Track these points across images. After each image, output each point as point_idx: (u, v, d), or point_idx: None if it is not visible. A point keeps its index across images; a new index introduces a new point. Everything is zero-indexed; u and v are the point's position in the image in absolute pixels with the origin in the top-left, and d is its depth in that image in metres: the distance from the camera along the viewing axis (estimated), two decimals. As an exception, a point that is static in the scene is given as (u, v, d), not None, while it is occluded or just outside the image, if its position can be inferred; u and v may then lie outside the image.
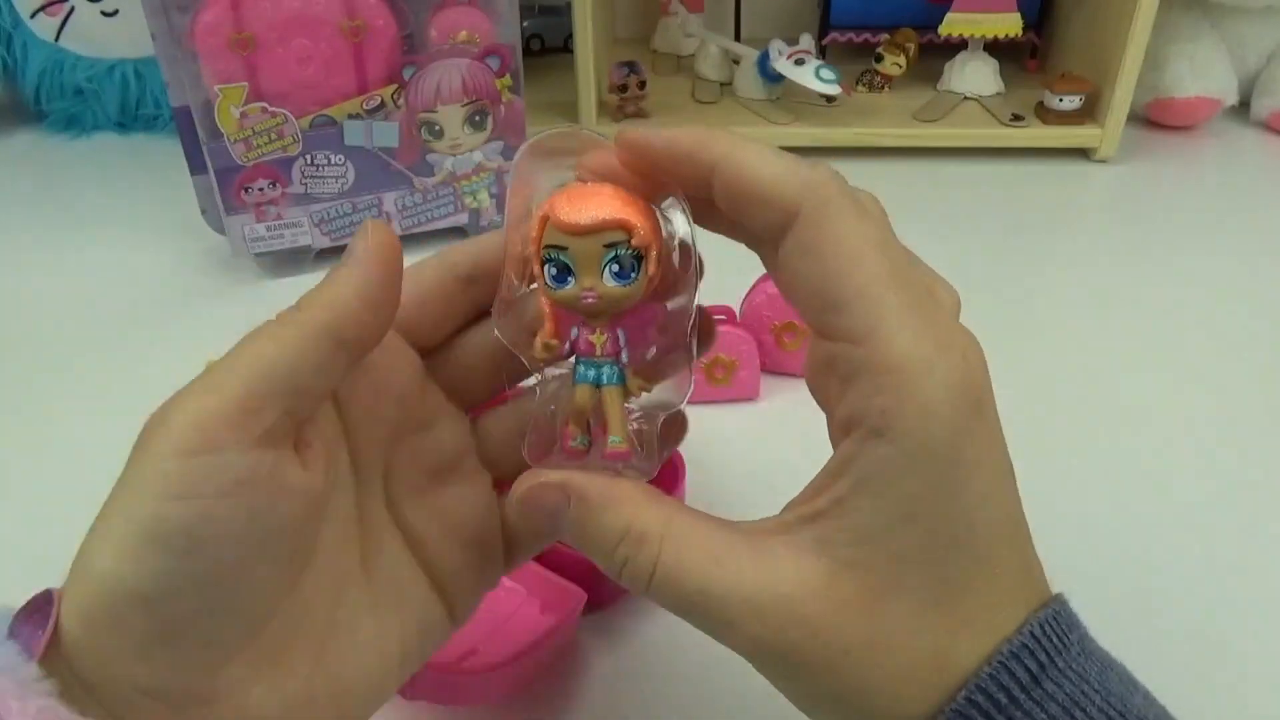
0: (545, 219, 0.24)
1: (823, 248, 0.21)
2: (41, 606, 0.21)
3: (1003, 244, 0.75)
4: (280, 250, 0.69)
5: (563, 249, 0.24)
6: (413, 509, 0.27)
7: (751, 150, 0.22)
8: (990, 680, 0.21)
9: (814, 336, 0.23)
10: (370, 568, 0.26)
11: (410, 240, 0.73)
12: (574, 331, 0.25)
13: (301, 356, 0.22)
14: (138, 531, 0.21)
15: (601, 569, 0.24)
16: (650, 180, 0.24)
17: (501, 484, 0.29)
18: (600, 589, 0.41)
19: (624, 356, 0.25)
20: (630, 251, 0.24)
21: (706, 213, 0.25)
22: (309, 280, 0.71)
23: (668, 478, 0.46)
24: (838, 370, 0.22)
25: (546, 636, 0.37)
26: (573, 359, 0.26)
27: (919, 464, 0.21)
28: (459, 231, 0.74)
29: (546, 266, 0.24)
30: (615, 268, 0.24)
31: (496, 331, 0.26)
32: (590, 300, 0.24)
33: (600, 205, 0.24)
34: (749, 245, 0.26)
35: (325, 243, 0.70)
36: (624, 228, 0.24)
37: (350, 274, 0.23)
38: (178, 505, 0.21)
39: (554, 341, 0.25)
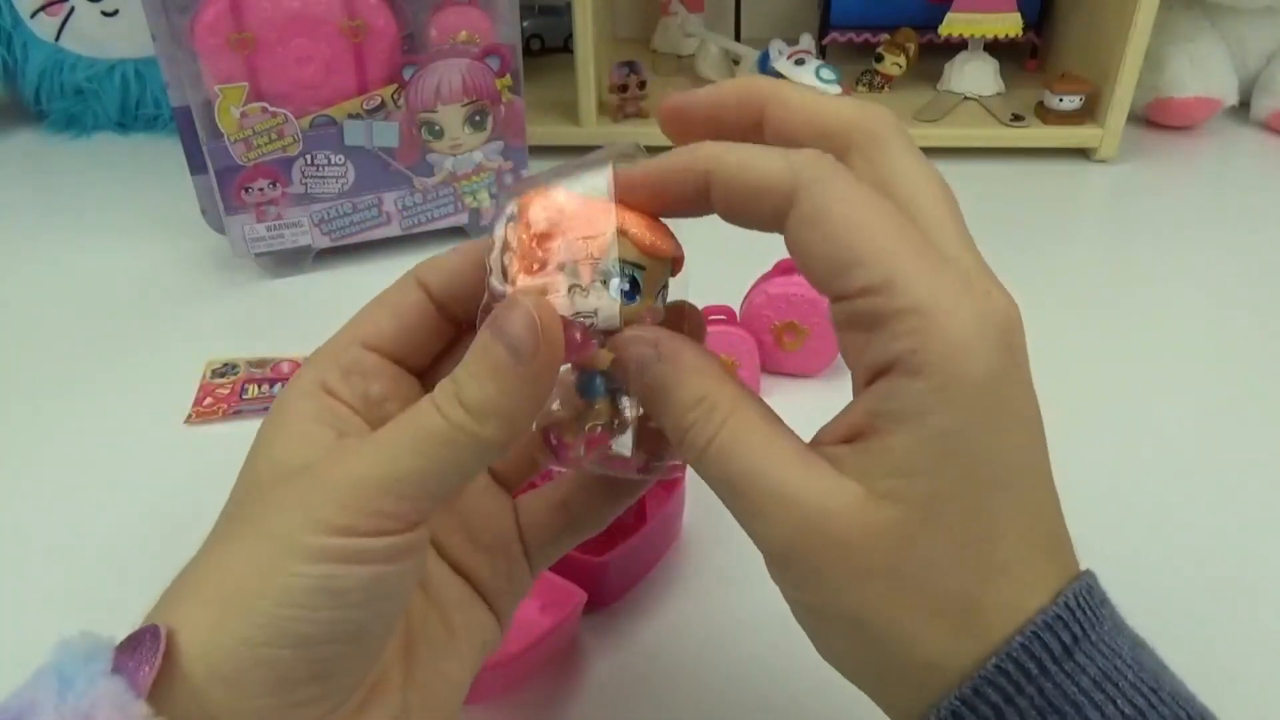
0: (621, 233, 0.25)
1: (825, 213, 0.22)
2: (147, 641, 0.21)
3: (1003, 244, 0.75)
4: (280, 250, 0.69)
5: (641, 268, 0.25)
6: (440, 522, 0.28)
7: (736, 151, 0.23)
8: (1022, 650, 0.21)
9: (830, 304, 0.23)
10: (423, 584, 0.28)
11: (410, 240, 0.73)
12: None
13: (466, 471, 0.23)
14: (309, 585, 0.21)
15: (664, 427, 0.24)
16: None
17: (515, 492, 0.31)
18: (600, 589, 0.41)
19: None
20: (667, 283, 0.26)
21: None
22: (309, 280, 0.71)
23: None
24: (862, 324, 0.22)
25: (546, 636, 0.37)
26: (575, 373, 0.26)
27: (954, 399, 0.20)
28: (459, 231, 0.74)
29: (615, 281, 0.25)
30: (664, 294, 0.26)
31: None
32: (650, 321, 0.25)
33: (667, 234, 0.26)
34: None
35: (325, 243, 0.70)
36: (678, 264, 0.26)
37: (520, 385, 0.22)
38: (348, 569, 0.22)
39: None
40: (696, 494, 0.46)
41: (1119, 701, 0.21)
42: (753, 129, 0.25)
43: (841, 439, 0.23)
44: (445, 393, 0.23)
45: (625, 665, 0.40)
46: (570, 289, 0.25)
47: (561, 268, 0.25)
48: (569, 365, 0.26)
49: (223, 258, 0.71)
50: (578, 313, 0.24)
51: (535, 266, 0.25)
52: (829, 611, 0.22)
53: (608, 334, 0.25)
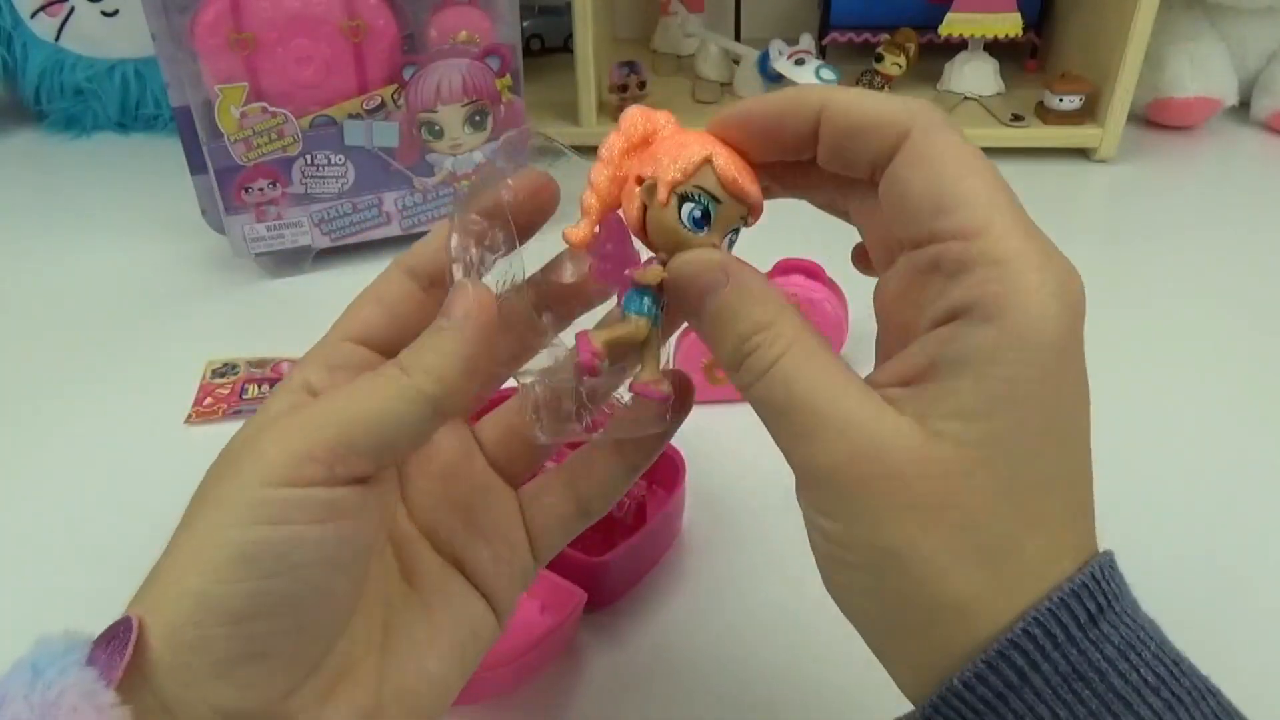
0: (708, 159, 0.24)
1: (936, 156, 0.23)
2: (120, 633, 0.21)
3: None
4: (280, 250, 0.69)
5: (717, 200, 0.25)
6: (434, 515, 0.29)
7: (850, 91, 0.24)
8: (1050, 615, 0.21)
9: (905, 254, 0.24)
10: (410, 576, 0.28)
11: (410, 240, 0.72)
12: (655, 264, 0.26)
13: (400, 420, 0.24)
14: (230, 553, 0.22)
15: (719, 352, 0.24)
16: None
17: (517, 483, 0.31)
18: (600, 589, 0.41)
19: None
20: (740, 228, 0.26)
21: (791, 176, 0.27)
22: (309, 280, 0.71)
23: (668, 477, 0.46)
24: (944, 268, 0.22)
25: (546, 636, 0.37)
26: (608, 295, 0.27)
27: (1025, 350, 0.21)
28: (459, 231, 0.74)
29: (689, 207, 0.24)
30: (733, 237, 0.26)
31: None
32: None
33: (755, 179, 0.25)
34: (827, 204, 0.28)
35: (325, 243, 0.70)
36: (756, 210, 0.26)
37: (454, 344, 0.24)
38: (270, 529, 0.22)
39: (666, 274, 0.25)
40: (696, 494, 0.47)
41: (1141, 670, 0.21)
42: (808, 138, 0.25)
43: (898, 382, 0.23)
44: (393, 361, 0.24)
45: (625, 665, 0.40)
46: (641, 207, 0.25)
47: (640, 181, 0.25)
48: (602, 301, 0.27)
49: (223, 258, 0.71)
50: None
51: (618, 176, 0.26)
52: (862, 543, 0.22)
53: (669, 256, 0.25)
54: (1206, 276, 0.71)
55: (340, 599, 0.24)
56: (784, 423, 0.23)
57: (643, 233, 0.26)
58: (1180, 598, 0.43)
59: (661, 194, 0.24)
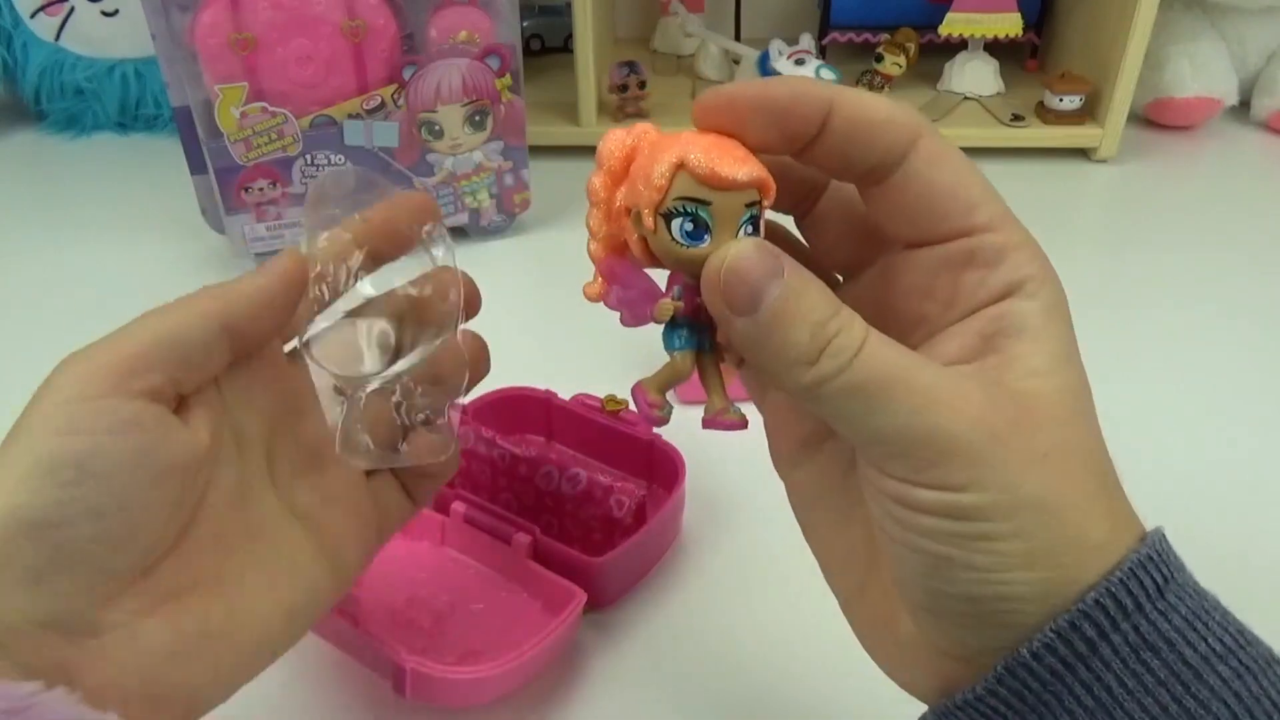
0: (679, 167, 0.22)
1: (950, 157, 0.24)
2: None
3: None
4: (280, 250, 0.69)
5: (705, 203, 0.22)
6: (295, 486, 0.30)
7: (855, 90, 0.24)
8: (1120, 585, 0.21)
9: (925, 250, 0.24)
10: (255, 532, 0.29)
11: (410, 240, 0.73)
12: (676, 290, 0.24)
13: (190, 333, 0.26)
14: (31, 464, 0.23)
15: (785, 349, 0.22)
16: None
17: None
18: (600, 589, 0.41)
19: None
20: (759, 213, 0.23)
21: (777, 164, 0.25)
22: (309, 280, 0.71)
23: (668, 477, 0.46)
24: (981, 258, 0.24)
25: (547, 636, 0.37)
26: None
27: (1065, 321, 0.24)
28: (459, 231, 0.74)
29: (679, 222, 0.22)
30: (749, 229, 0.23)
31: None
32: None
33: (745, 159, 0.23)
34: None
35: (325, 243, 0.70)
36: (765, 188, 0.23)
37: (253, 279, 0.28)
38: (68, 439, 0.23)
39: (681, 302, 0.24)
40: (696, 494, 0.46)
41: (1210, 640, 0.21)
42: (813, 129, 0.24)
43: (952, 360, 0.23)
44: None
45: (625, 665, 0.40)
46: (641, 239, 0.24)
47: (628, 213, 0.24)
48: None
49: (223, 258, 0.71)
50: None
51: (612, 213, 0.25)
52: (1003, 506, 0.21)
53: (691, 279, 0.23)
54: (1206, 276, 0.71)
55: (152, 515, 0.25)
56: (888, 404, 0.21)
57: (655, 262, 0.24)
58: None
59: (647, 221, 0.23)
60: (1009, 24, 0.89)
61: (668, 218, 0.23)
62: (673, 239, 0.23)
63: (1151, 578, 0.21)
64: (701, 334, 0.24)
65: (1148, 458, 0.52)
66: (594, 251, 0.25)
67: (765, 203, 0.23)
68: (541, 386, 0.50)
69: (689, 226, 0.22)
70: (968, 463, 0.21)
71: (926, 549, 0.22)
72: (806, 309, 0.22)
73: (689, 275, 0.23)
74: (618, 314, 0.25)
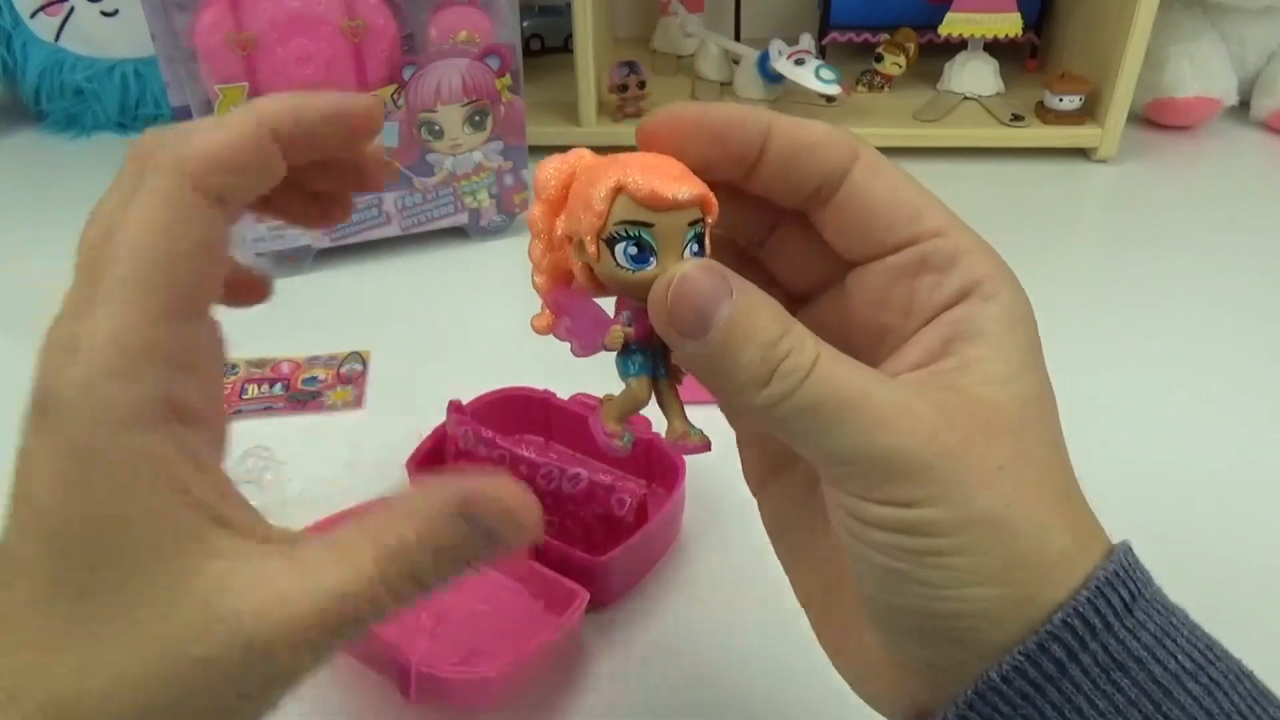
0: (618, 190, 0.22)
1: (889, 171, 0.24)
2: None
3: (1002, 244, 0.75)
4: (280, 250, 0.69)
5: (647, 225, 0.22)
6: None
7: (790, 116, 0.24)
8: (1088, 604, 0.21)
9: (877, 263, 0.24)
10: None
11: (410, 240, 0.73)
12: (625, 316, 0.23)
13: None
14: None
15: (736, 370, 0.21)
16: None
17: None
18: (600, 589, 0.41)
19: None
20: (703, 231, 0.23)
21: (730, 195, 0.25)
22: (309, 280, 0.71)
23: (668, 477, 0.46)
24: (933, 263, 0.24)
25: (548, 636, 0.37)
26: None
27: (1022, 323, 0.23)
28: (459, 231, 0.74)
29: (622, 246, 0.22)
30: (695, 248, 0.23)
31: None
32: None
33: (684, 177, 0.22)
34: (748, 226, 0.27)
35: (325, 243, 0.70)
36: (707, 205, 0.23)
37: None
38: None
39: (631, 328, 0.23)
40: (696, 494, 0.46)
41: (1179, 657, 0.21)
42: (754, 152, 0.24)
43: (912, 368, 0.23)
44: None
45: (625, 665, 0.40)
46: (585, 267, 0.23)
47: (570, 241, 0.23)
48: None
49: (223, 258, 0.71)
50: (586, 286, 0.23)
51: (553, 243, 0.24)
52: (956, 521, 0.21)
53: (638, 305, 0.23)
54: (1206, 276, 0.71)
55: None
56: (839, 424, 0.21)
57: (602, 290, 0.23)
58: (1183, 598, 0.43)
59: (589, 248, 0.22)
60: (1009, 24, 0.89)
61: (610, 243, 0.22)
62: (617, 264, 0.22)
63: (1119, 594, 0.21)
64: (656, 358, 0.24)
65: (1148, 457, 0.52)
66: (539, 283, 0.24)
67: (709, 219, 0.23)
68: (541, 386, 0.50)
69: (633, 250, 0.22)
70: (918, 480, 0.21)
71: (880, 563, 0.22)
72: (756, 330, 0.21)
73: (637, 299, 0.23)
74: (568, 345, 0.24)
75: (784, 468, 0.28)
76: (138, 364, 0.20)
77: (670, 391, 0.24)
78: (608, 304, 0.24)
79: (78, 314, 0.21)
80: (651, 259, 0.22)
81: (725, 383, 0.22)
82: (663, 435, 0.24)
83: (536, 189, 0.24)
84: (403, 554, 0.21)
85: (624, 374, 0.24)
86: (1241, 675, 0.21)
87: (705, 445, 0.24)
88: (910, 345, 0.24)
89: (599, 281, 0.23)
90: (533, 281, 0.24)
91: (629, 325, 0.23)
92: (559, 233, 0.24)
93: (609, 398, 0.24)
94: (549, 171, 0.24)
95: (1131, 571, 0.22)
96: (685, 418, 0.24)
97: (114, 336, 0.20)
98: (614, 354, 0.24)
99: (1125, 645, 0.21)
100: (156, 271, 0.21)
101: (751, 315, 0.21)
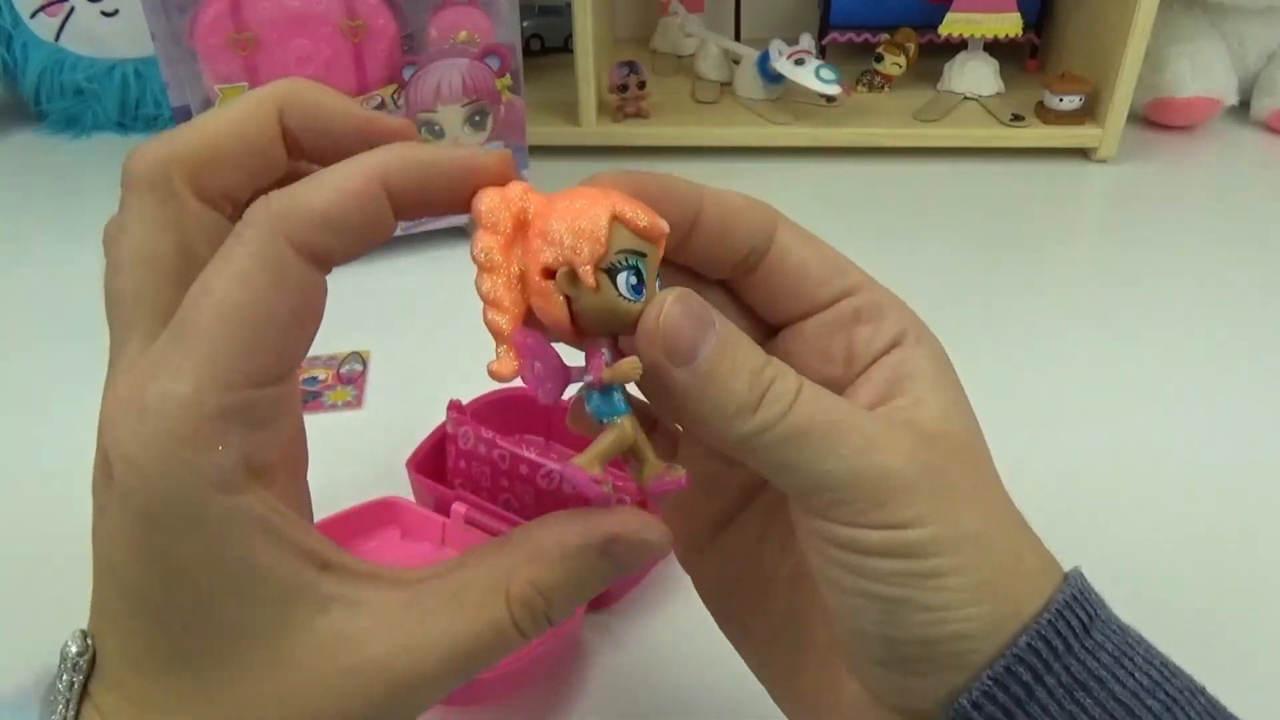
0: (615, 217, 0.21)
1: (808, 235, 0.25)
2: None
3: (1002, 244, 0.75)
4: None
5: (642, 255, 0.22)
6: None
7: (712, 186, 0.25)
8: (1050, 627, 0.21)
9: (813, 319, 0.25)
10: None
11: (410, 240, 0.73)
12: (606, 354, 0.22)
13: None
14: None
15: (725, 400, 0.21)
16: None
17: None
18: (601, 589, 0.41)
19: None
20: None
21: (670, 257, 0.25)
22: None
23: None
24: (866, 314, 0.25)
25: (548, 636, 0.37)
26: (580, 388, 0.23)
27: (948, 364, 0.25)
28: (459, 231, 0.74)
29: (624, 275, 0.21)
30: (660, 282, 0.23)
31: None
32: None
33: (652, 210, 0.22)
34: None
35: (325, 243, 0.70)
36: (663, 243, 0.23)
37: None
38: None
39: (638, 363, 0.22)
40: (697, 494, 0.46)
41: (1137, 675, 0.21)
42: (685, 221, 0.24)
43: (869, 408, 0.24)
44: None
45: (625, 665, 0.40)
46: (564, 301, 0.22)
47: (550, 274, 0.22)
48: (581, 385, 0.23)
49: (223, 258, 0.71)
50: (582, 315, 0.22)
51: (510, 278, 0.22)
52: (947, 539, 0.21)
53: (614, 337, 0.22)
54: (1206, 276, 0.71)
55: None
56: (833, 446, 0.21)
57: (573, 328, 0.22)
58: (1184, 598, 0.43)
59: (588, 278, 0.21)
60: (1009, 24, 0.89)
61: (610, 272, 0.21)
62: (620, 295, 0.21)
63: (1078, 617, 0.22)
64: (625, 395, 0.23)
65: (1148, 457, 0.52)
66: (495, 323, 0.22)
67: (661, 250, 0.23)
68: (542, 386, 0.50)
69: (634, 281, 0.21)
70: (912, 499, 0.21)
71: (880, 594, 0.22)
72: (742, 357, 0.22)
73: (621, 333, 0.22)
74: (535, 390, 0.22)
75: (734, 518, 0.28)
76: (216, 429, 0.19)
77: (640, 431, 0.23)
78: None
79: (154, 375, 0.19)
80: (643, 289, 0.22)
81: (714, 411, 0.21)
82: (642, 481, 0.23)
83: (485, 221, 0.22)
84: (538, 601, 0.21)
85: (608, 413, 0.22)
86: (1196, 691, 0.22)
87: (686, 481, 0.23)
88: (856, 390, 0.24)
89: (574, 319, 0.22)
90: (486, 320, 0.22)
91: (610, 362, 0.22)
92: (523, 267, 0.22)
93: (601, 441, 0.22)
94: (497, 203, 0.22)
95: (1087, 595, 0.22)
96: (657, 456, 0.23)
97: (192, 402, 0.19)
98: (583, 395, 0.23)
99: (1086, 665, 0.21)
100: (244, 338, 0.19)
101: (736, 342, 0.22)
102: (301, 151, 0.23)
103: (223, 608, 0.19)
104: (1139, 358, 0.61)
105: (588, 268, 0.21)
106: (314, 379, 0.58)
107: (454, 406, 0.46)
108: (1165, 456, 0.52)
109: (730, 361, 0.21)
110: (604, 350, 0.22)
